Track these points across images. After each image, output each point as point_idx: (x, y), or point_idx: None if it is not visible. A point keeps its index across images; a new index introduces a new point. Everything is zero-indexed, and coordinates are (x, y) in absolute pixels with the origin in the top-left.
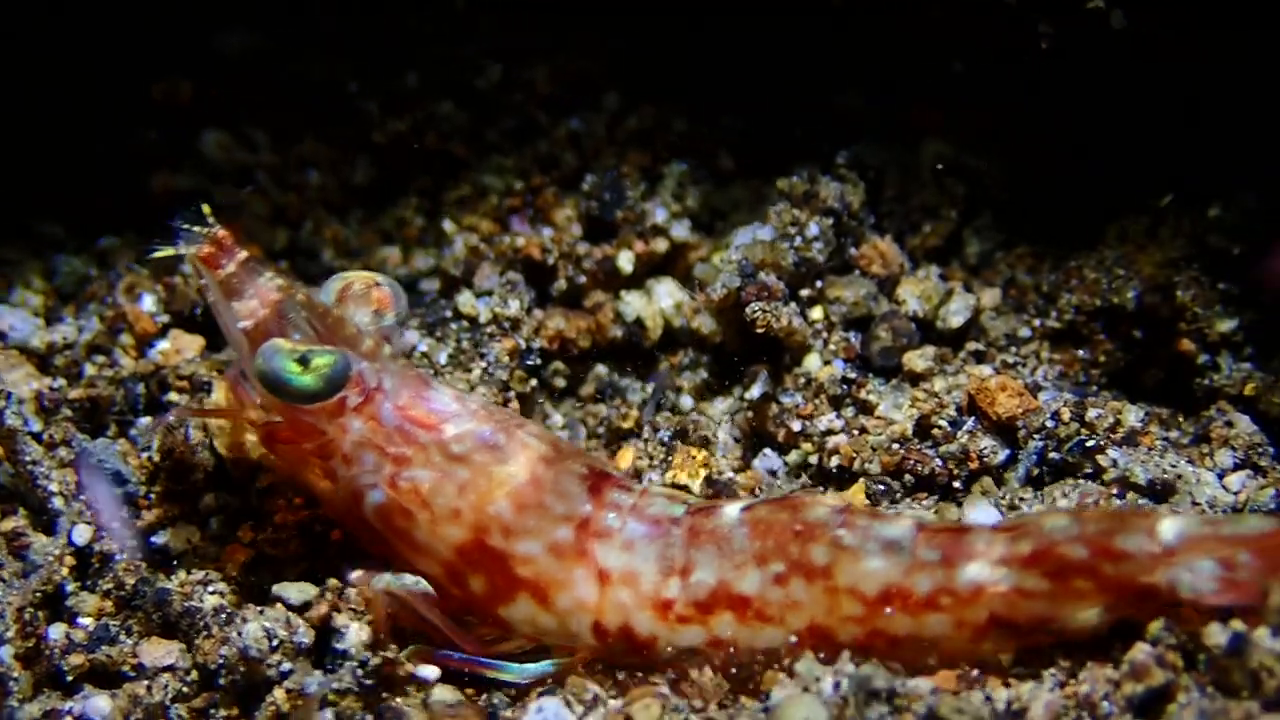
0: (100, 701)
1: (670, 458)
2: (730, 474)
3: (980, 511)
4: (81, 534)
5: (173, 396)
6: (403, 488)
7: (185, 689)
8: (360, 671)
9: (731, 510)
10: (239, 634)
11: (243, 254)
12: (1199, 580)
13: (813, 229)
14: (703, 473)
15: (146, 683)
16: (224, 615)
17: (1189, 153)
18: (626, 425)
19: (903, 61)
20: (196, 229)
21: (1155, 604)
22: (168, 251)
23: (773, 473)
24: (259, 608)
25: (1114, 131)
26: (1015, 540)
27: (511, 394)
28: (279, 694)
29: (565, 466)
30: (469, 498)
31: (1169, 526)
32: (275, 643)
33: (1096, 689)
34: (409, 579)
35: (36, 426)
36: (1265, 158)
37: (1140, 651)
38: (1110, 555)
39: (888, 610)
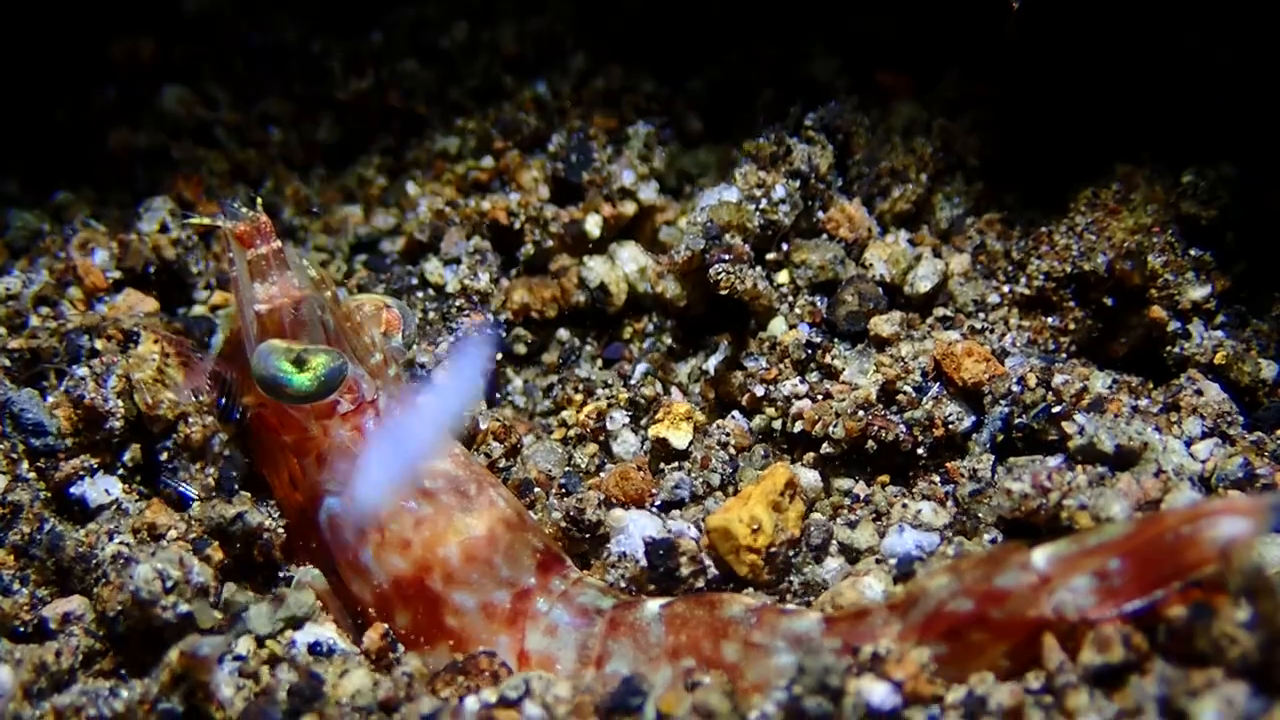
0: (1, 673)
1: (653, 410)
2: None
3: None
4: None
5: (100, 345)
6: None
7: (96, 645)
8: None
9: (652, 606)
10: (130, 576)
11: (277, 243)
12: (1078, 598)
13: (779, 191)
14: (685, 426)
15: (56, 647)
16: (121, 560)
17: (1162, 118)
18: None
19: (873, 23)
20: (243, 208)
21: (1055, 632)
22: (204, 220)
23: (745, 430)
24: (153, 549)
25: (1086, 96)
26: (907, 611)
27: None
28: (173, 655)
29: (523, 537)
30: (423, 534)
31: (1039, 555)
32: (169, 584)
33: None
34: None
35: None
36: (1239, 123)
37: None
38: (993, 599)
39: None
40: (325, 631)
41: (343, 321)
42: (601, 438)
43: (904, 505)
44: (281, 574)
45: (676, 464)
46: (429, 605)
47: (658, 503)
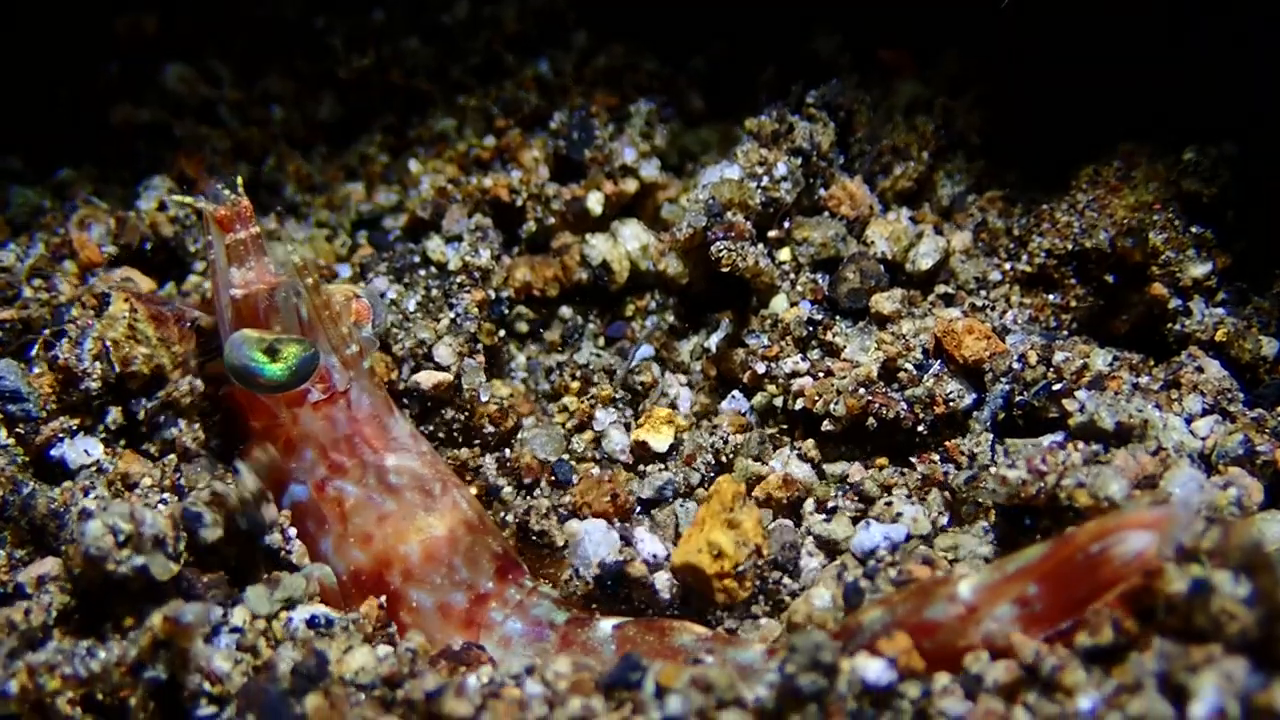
0: None
1: (638, 413)
2: (705, 432)
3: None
4: None
5: (75, 311)
6: (328, 494)
7: (71, 601)
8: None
9: (605, 625)
10: (81, 533)
11: (257, 228)
12: (1004, 625)
13: (781, 169)
14: (666, 430)
15: (25, 606)
16: (83, 516)
17: (1164, 96)
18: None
19: (875, 2)
20: (225, 191)
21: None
22: (187, 200)
23: (741, 414)
24: (105, 503)
25: (1088, 74)
26: (846, 643)
27: (479, 346)
28: (155, 620)
29: (483, 540)
30: (385, 529)
31: (965, 586)
32: (121, 538)
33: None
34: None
35: None
36: (1241, 102)
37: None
38: (924, 631)
39: None
40: (321, 607)
41: (320, 310)
42: (595, 428)
43: (887, 503)
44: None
45: (659, 464)
46: (386, 601)
47: (644, 496)
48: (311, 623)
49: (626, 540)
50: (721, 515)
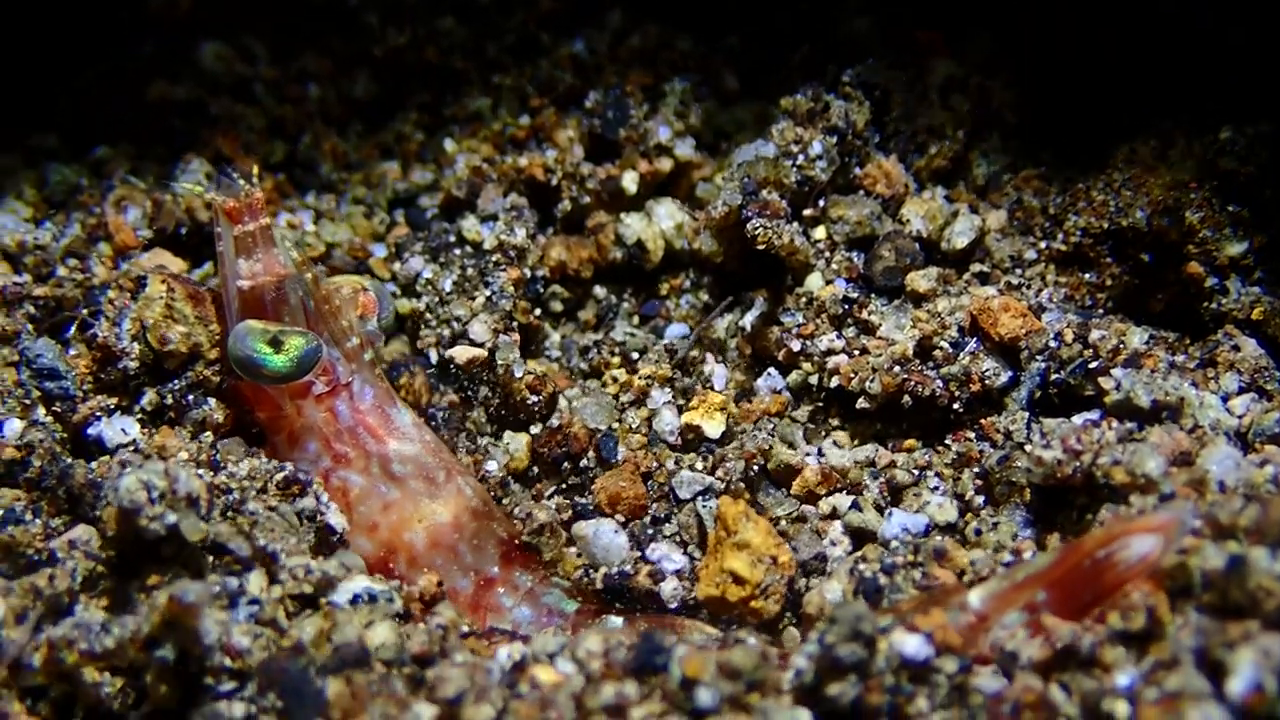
0: None
1: (688, 396)
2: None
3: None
4: (13, 428)
5: (113, 293)
6: (333, 484)
7: (98, 568)
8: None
9: (615, 620)
10: (115, 489)
11: (266, 220)
12: (1012, 633)
13: (816, 147)
14: (719, 416)
15: (50, 572)
16: (119, 475)
17: (1201, 74)
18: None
19: None
20: (239, 181)
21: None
22: (197, 188)
23: (777, 392)
24: (140, 461)
25: (1124, 53)
26: None
27: (514, 324)
28: (161, 598)
29: (489, 526)
30: (390, 518)
31: (975, 595)
32: (155, 494)
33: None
34: None
35: None
36: (1278, 80)
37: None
38: None
39: None
40: (362, 582)
41: (322, 304)
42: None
43: (916, 493)
44: None
45: (697, 452)
46: None
47: (677, 492)
48: (355, 601)
49: (638, 545)
50: (729, 541)
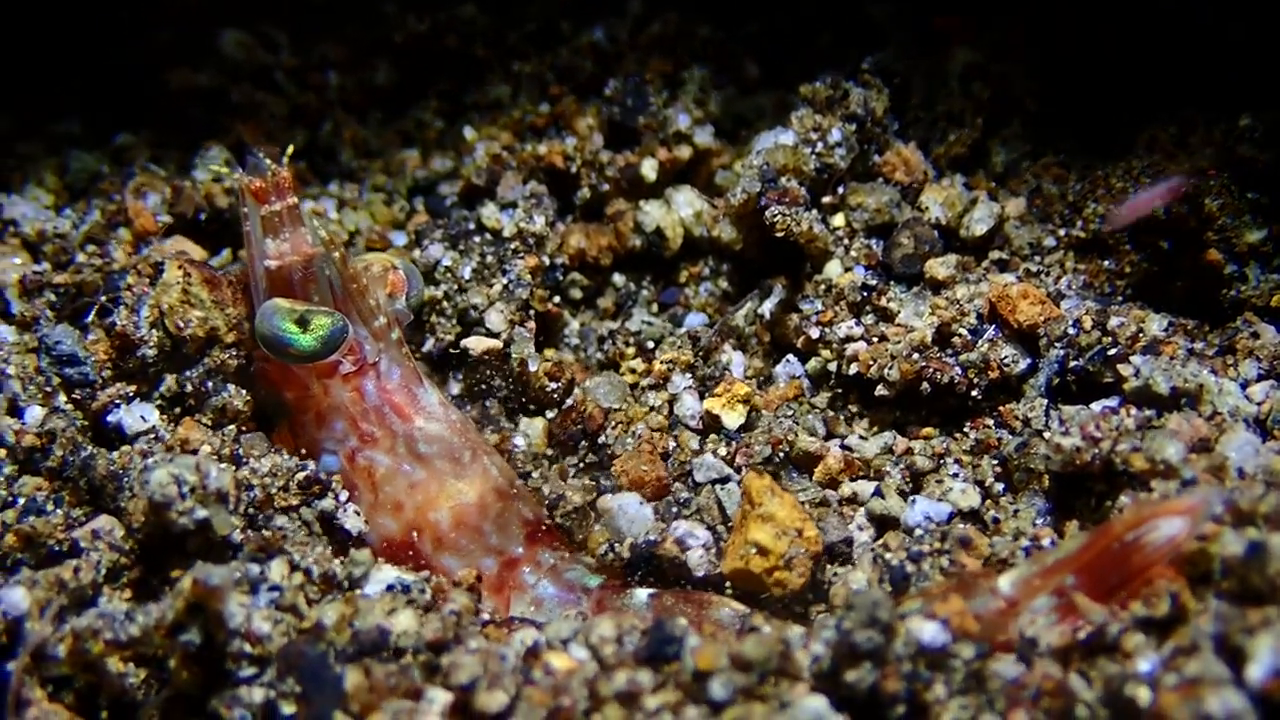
0: (15, 595)
1: (712, 384)
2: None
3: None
4: (34, 415)
5: (131, 279)
6: (359, 464)
7: (122, 559)
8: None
9: (641, 594)
10: (145, 483)
11: (293, 200)
12: (1041, 618)
13: (835, 135)
14: (740, 408)
15: (75, 564)
16: (143, 470)
17: (1220, 61)
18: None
19: None
20: (267, 161)
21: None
22: (223, 169)
23: (795, 378)
24: (171, 456)
25: (1143, 40)
26: None
27: (531, 313)
28: (185, 583)
29: (513, 506)
30: (416, 497)
31: (1005, 580)
32: (185, 488)
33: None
34: None
35: (16, 307)
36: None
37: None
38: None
39: None
40: (391, 573)
41: (349, 283)
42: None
43: (938, 480)
44: None
45: (719, 435)
46: (416, 568)
47: (695, 476)
48: (389, 590)
49: (662, 519)
50: (754, 514)
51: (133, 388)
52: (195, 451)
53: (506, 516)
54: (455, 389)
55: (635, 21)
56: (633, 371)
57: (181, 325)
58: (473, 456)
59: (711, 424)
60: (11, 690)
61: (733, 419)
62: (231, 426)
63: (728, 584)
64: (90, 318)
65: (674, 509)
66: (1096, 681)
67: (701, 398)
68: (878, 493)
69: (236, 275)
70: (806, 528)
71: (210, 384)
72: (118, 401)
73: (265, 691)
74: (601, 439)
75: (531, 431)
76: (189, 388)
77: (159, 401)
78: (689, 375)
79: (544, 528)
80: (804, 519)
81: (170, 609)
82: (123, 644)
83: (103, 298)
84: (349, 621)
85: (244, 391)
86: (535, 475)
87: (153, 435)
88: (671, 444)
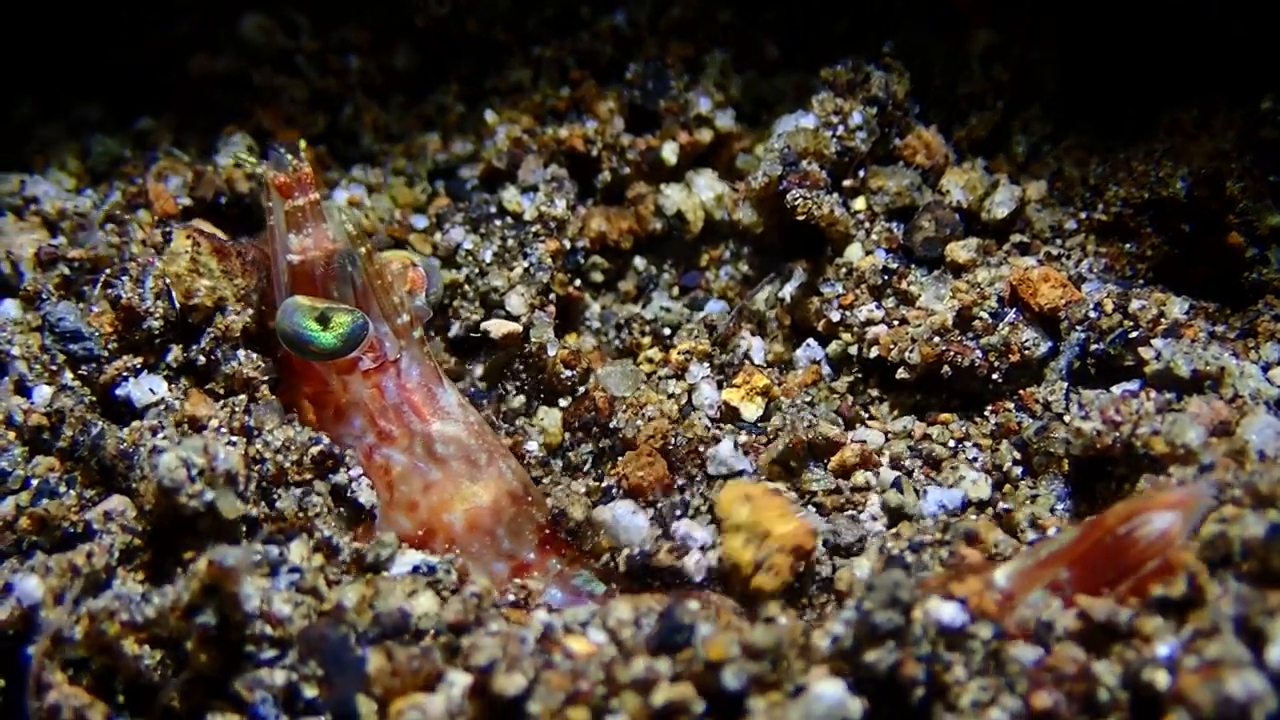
0: (29, 584)
1: (731, 373)
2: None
3: None
4: (42, 394)
5: (136, 249)
6: (375, 462)
7: (135, 541)
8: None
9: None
10: (154, 466)
11: (316, 195)
12: (1036, 612)
13: (856, 118)
14: (759, 400)
15: (87, 549)
16: (154, 452)
17: (1242, 44)
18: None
19: None
20: (288, 156)
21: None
22: (251, 161)
23: (815, 362)
24: (179, 438)
25: (1165, 22)
26: None
27: (552, 296)
28: (200, 565)
29: (527, 511)
30: (430, 498)
31: (1001, 573)
32: (194, 471)
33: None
34: None
35: (29, 279)
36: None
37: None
38: None
39: None
40: (417, 555)
41: (373, 279)
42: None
43: (953, 468)
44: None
45: (736, 425)
46: None
47: (705, 470)
48: (415, 571)
49: (660, 525)
50: (727, 525)
51: (139, 360)
52: (203, 428)
53: (520, 521)
54: (479, 371)
55: (655, 5)
56: (650, 361)
57: (188, 294)
58: (489, 459)
59: (729, 415)
60: (32, 674)
61: (751, 411)
62: (243, 396)
63: (722, 586)
64: (96, 291)
65: (676, 510)
66: (1117, 664)
67: (720, 387)
68: (896, 485)
69: (245, 247)
70: (776, 526)
71: (220, 351)
72: (125, 375)
73: (287, 674)
74: (613, 423)
75: (549, 422)
76: (200, 360)
77: (166, 371)
78: (706, 365)
79: (557, 533)
80: (778, 516)
81: (185, 590)
82: (138, 626)
83: (107, 271)
84: (370, 603)
85: (254, 357)
86: (545, 481)
87: (162, 406)
88: (683, 436)
